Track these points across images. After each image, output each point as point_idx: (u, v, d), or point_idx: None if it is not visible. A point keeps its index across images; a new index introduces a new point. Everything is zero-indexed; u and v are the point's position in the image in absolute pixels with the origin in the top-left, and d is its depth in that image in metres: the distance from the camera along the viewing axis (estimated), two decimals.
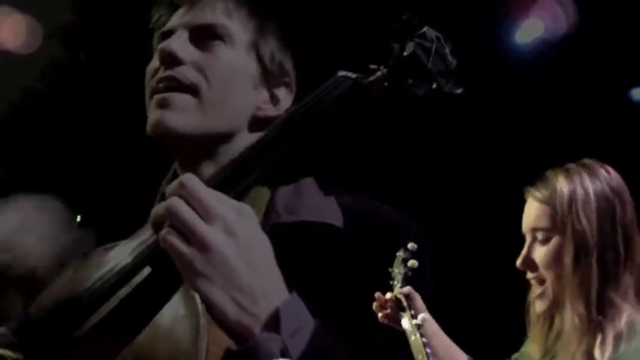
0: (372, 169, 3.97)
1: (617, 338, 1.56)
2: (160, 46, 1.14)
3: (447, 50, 1.01)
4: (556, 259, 1.71)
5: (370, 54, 1.02)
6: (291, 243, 1.04)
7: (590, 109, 3.92)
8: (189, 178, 0.87)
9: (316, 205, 1.14)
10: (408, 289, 1.59)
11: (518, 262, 1.79)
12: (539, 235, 1.75)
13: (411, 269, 1.43)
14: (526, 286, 1.83)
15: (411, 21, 1.00)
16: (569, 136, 3.72)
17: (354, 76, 1.01)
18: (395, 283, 1.57)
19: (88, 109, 3.71)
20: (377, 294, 1.31)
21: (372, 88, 1.00)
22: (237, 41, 1.16)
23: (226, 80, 1.15)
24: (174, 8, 1.20)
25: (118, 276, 0.93)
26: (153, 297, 0.93)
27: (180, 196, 0.85)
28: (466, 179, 4.19)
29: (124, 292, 0.94)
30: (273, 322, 0.83)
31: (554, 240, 1.72)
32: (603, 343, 1.56)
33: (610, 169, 1.77)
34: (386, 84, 1.00)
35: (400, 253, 1.30)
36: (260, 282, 0.85)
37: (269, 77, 1.20)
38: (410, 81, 0.99)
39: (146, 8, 1.25)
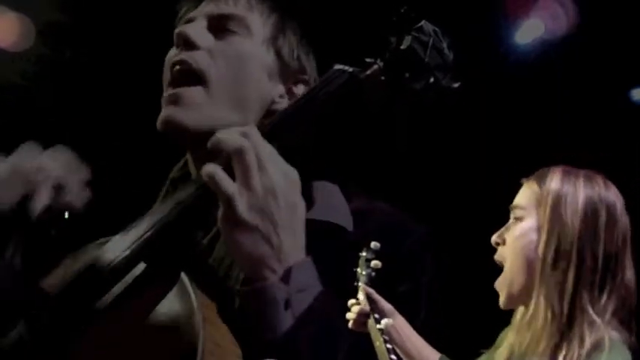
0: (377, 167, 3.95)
1: (581, 354, 1.50)
2: (177, 30, 1.15)
3: (444, 44, 1.01)
4: (524, 240, 1.69)
5: (367, 47, 1.02)
6: None
7: (590, 110, 3.91)
8: (252, 134, 0.92)
9: (327, 205, 1.13)
10: (369, 290, 1.45)
11: (493, 237, 1.78)
12: (517, 212, 1.74)
13: (375, 270, 1.32)
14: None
15: (409, 14, 1.00)
16: (569, 136, 3.72)
17: (350, 69, 1.00)
18: (359, 285, 1.44)
19: (74, 106, 3.70)
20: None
21: (369, 82, 1.00)
22: (255, 33, 1.17)
23: (238, 68, 1.14)
24: (199, 2, 1.20)
25: (113, 272, 0.92)
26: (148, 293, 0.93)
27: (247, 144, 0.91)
28: (464, 179, 4.19)
29: (118, 287, 0.93)
30: (285, 276, 0.91)
31: (529, 220, 1.71)
32: (567, 356, 1.52)
33: (611, 184, 1.73)
34: (383, 77, 0.99)
35: (363, 254, 1.19)
36: (288, 243, 0.92)
37: (287, 72, 1.19)
38: (407, 75, 0.99)
39: (135, 6, 1.25)
